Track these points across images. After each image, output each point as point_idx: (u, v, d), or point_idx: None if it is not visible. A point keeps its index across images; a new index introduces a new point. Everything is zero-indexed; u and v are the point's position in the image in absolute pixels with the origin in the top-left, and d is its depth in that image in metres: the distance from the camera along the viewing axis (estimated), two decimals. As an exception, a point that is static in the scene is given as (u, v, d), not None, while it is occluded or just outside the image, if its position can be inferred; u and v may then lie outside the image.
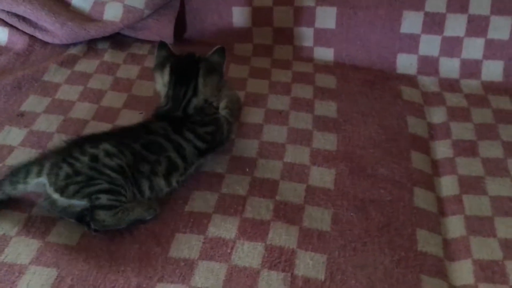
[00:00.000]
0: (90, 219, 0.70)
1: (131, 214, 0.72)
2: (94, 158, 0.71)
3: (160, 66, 0.81)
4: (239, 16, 1.09)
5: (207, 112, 0.81)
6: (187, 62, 0.81)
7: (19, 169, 0.72)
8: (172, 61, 0.80)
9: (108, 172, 0.71)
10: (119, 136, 0.76)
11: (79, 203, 0.70)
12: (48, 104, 0.92)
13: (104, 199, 0.70)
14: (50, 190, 0.70)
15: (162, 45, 0.82)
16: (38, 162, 0.72)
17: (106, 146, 0.73)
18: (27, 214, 0.73)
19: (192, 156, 0.79)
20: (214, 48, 0.82)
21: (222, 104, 0.86)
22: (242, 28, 1.10)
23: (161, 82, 0.81)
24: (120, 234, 0.71)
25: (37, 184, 0.71)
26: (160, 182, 0.75)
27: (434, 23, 1.02)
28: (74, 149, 0.72)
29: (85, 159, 0.71)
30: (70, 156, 0.71)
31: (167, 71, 0.80)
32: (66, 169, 0.70)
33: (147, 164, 0.75)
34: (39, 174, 0.70)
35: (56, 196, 0.70)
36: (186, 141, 0.78)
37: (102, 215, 0.70)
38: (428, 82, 1.03)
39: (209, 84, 0.80)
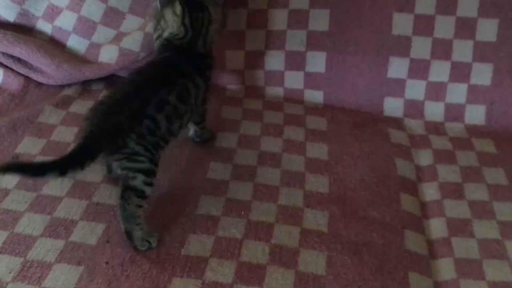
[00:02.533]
0: (121, 197, 0.74)
1: (142, 229, 0.76)
2: (141, 135, 0.74)
3: (167, 2, 0.84)
4: (231, 59, 1.12)
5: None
6: None
7: None
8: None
9: (151, 148, 0.76)
10: (154, 90, 0.77)
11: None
12: (44, 145, 0.92)
13: (139, 181, 0.74)
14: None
15: None
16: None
17: (147, 122, 0.75)
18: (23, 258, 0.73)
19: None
20: None
21: None
22: (234, 71, 1.13)
23: (171, 15, 0.84)
24: (116, 279, 0.71)
25: None
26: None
27: (419, 69, 1.07)
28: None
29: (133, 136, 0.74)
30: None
31: (177, 3, 0.84)
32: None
33: (177, 119, 0.79)
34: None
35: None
36: (202, 83, 0.84)
37: (133, 200, 0.75)
38: (415, 125, 1.07)
39: (218, 14, 0.88)
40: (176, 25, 0.85)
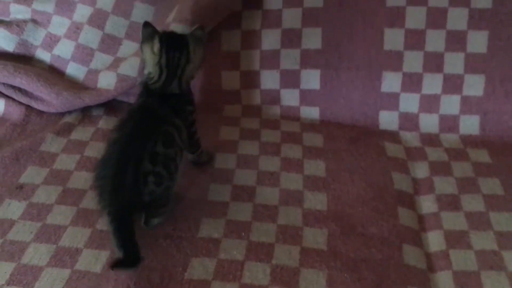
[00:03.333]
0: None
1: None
2: (152, 191, 0.79)
3: (148, 38, 0.85)
4: (227, 79, 1.14)
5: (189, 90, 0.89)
6: (174, 34, 0.88)
7: None
8: (160, 33, 0.86)
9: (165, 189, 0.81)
10: (141, 147, 0.79)
11: None
12: (47, 175, 0.94)
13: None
14: None
15: (146, 24, 0.86)
16: None
17: (151, 178, 0.78)
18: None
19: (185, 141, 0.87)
20: (195, 26, 0.89)
21: None
22: (230, 91, 1.15)
23: (149, 52, 0.85)
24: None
25: None
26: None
27: (412, 82, 1.08)
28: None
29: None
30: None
31: (157, 40, 0.84)
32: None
33: (172, 162, 0.81)
34: None
35: None
36: (182, 122, 0.85)
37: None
38: (410, 137, 1.08)
39: (197, 53, 0.87)
40: (152, 63, 0.86)
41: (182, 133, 0.85)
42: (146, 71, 0.87)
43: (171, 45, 0.85)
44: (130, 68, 1.08)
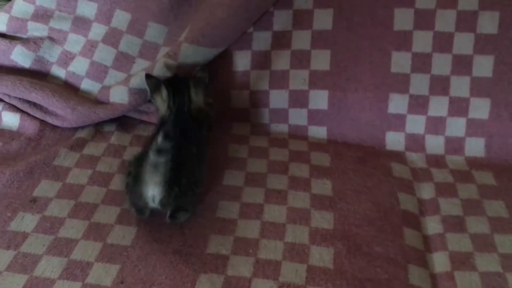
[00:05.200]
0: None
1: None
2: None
3: (155, 88, 0.99)
4: (237, 98, 1.16)
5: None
6: (177, 79, 1.01)
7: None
8: (164, 81, 0.99)
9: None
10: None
11: None
12: (60, 189, 0.96)
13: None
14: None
15: (148, 76, 1.01)
16: None
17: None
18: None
19: None
20: (198, 68, 1.02)
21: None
22: (240, 109, 1.17)
23: (160, 100, 0.99)
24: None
25: None
26: None
27: (418, 104, 1.10)
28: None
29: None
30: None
31: (163, 88, 0.98)
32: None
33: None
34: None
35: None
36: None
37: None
38: (416, 158, 1.10)
39: (199, 94, 0.99)
40: (164, 108, 0.98)
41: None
42: (160, 115, 1.00)
43: (176, 90, 0.98)
44: (141, 82, 1.09)
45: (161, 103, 0.99)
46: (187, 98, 0.98)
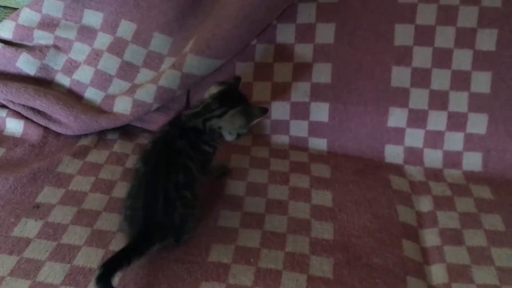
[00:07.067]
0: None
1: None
2: (183, 203, 0.86)
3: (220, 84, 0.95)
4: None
5: (214, 137, 0.93)
6: (234, 90, 0.96)
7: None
8: (228, 84, 0.96)
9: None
10: (165, 179, 0.85)
11: None
12: (62, 195, 0.97)
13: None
14: None
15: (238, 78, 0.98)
16: None
17: (178, 203, 0.85)
18: None
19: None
20: (259, 106, 0.95)
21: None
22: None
23: (207, 93, 0.95)
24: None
25: None
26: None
27: (417, 119, 1.12)
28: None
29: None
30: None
31: (219, 88, 0.94)
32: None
33: (194, 182, 0.88)
34: None
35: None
36: (197, 155, 0.90)
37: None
38: (415, 172, 1.12)
39: (235, 122, 0.92)
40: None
41: (198, 163, 0.90)
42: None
43: (222, 97, 0.93)
44: (146, 95, 1.12)
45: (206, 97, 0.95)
46: (219, 112, 0.92)
